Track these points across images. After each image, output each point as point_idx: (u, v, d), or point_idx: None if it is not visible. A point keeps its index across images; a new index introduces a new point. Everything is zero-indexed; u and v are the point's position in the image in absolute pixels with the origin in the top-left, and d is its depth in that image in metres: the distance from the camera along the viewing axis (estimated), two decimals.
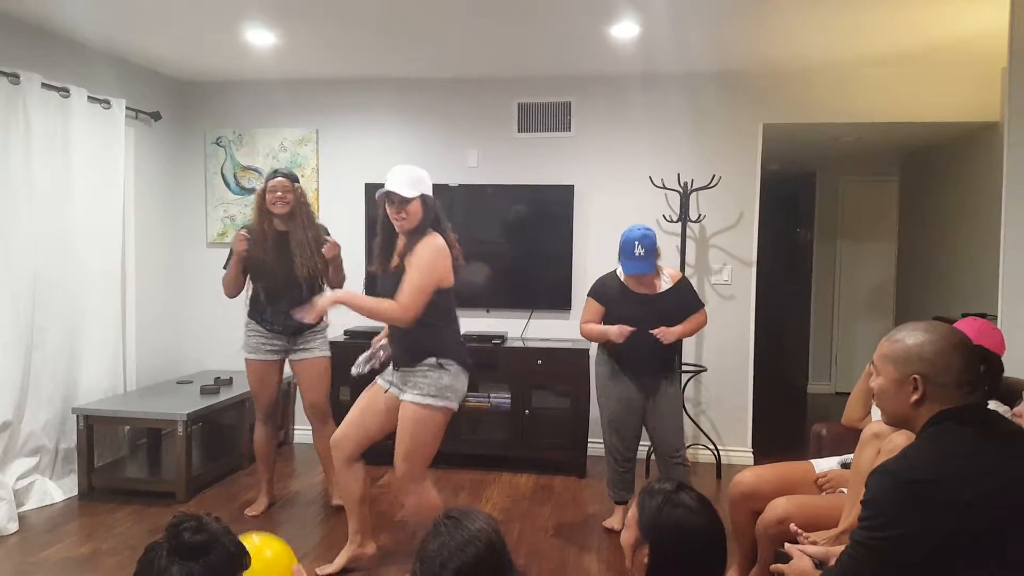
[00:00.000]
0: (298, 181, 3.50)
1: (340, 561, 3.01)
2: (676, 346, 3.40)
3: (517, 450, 4.37)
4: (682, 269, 4.31)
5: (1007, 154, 2.89)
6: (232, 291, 3.53)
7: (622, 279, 3.35)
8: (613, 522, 3.51)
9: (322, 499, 3.88)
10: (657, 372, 3.34)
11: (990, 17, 3.39)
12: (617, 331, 3.24)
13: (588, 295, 3.43)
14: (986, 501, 1.33)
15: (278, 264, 3.43)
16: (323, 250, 3.42)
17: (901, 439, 1.96)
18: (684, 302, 3.35)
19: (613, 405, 3.38)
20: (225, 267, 3.53)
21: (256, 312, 3.53)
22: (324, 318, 3.63)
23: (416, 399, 2.68)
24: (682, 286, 3.38)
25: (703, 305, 3.42)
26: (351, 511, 3.02)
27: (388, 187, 2.65)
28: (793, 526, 1.98)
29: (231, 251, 3.50)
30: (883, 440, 2.10)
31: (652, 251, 3.22)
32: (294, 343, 3.57)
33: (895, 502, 1.35)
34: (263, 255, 3.42)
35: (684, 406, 4.47)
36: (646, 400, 3.36)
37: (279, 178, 3.43)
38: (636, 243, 3.19)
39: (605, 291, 3.37)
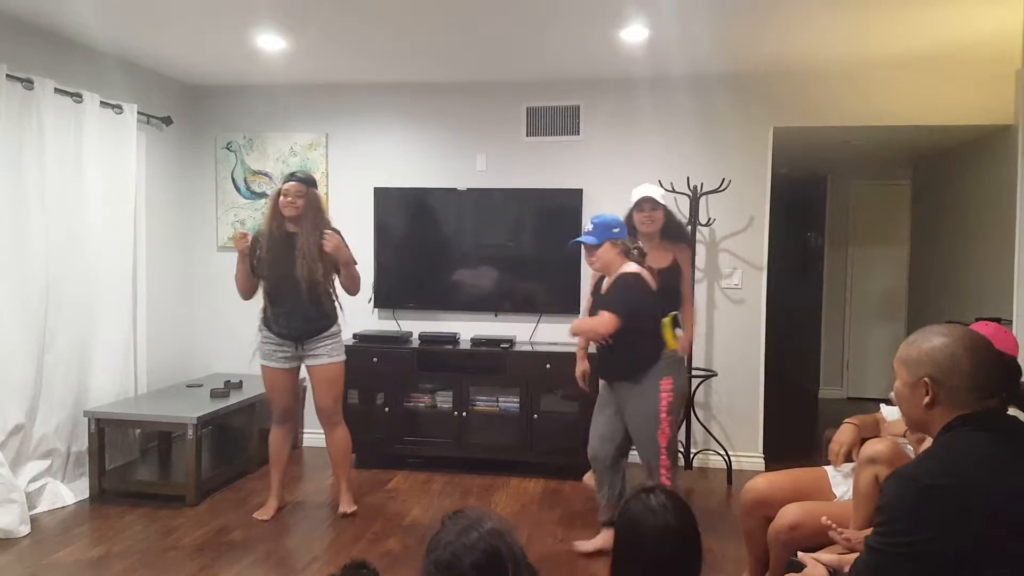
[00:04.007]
0: (314, 185, 3.55)
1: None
2: (633, 350, 3.07)
3: (526, 455, 4.36)
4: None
5: (1021, 157, 2.86)
6: (244, 291, 3.57)
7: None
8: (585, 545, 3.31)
9: (331, 503, 3.87)
10: (618, 376, 3.18)
11: (1003, 19, 3.36)
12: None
13: None
14: (1002, 507, 1.31)
15: (280, 265, 3.45)
16: (324, 243, 3.41)
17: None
18: (610, 300, 3.08)
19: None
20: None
21: (265, 317, 3.55)
22: (336, 324, 3.62)
23: None
24: (615, 283, 3.11)
25: (613, 309, 3.00)
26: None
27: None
28: (825, 519, 1.98)
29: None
30: (879, 464, 2.10)
31: (598, 228, 3.13)
32: (302, 349, 3.57)
33: (911, 507, 1.33)
34: (265, 254, 3.46)
35: (693, 411, 4.44)
36: (618, 405, 3.23)
37: (293, 182, 3.48)
38: (590, 220, 3.22)
39: None
